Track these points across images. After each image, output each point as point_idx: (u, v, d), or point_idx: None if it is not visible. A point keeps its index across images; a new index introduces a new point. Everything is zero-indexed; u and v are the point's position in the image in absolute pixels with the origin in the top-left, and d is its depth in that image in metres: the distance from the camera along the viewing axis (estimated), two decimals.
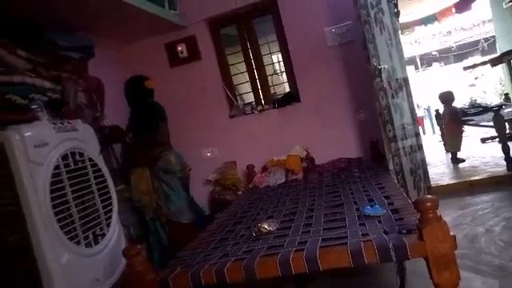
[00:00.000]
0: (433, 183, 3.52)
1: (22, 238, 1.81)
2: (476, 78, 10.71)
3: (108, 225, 2.32)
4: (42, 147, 1.91)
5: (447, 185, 3.57)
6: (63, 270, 1.88)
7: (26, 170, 1.83)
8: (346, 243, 1.33)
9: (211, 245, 1.77)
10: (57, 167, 1.99)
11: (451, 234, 1.19)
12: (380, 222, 1.55)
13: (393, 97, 2.91)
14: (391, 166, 2.64)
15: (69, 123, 2.20)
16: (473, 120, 4.60)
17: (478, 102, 6.35)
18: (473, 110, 4.95)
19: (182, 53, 3.68)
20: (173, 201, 2.99)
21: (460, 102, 5.40)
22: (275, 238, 1.62)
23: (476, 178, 3.55)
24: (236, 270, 1.35)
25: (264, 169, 3.38)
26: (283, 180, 3.10)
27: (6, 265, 1.81)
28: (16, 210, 1.81)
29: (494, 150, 4.21)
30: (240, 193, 3.36)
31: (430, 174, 3.52)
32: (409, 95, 3.30)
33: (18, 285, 1.82)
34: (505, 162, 3.52)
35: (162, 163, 3.01)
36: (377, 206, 1.75)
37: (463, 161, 4.34)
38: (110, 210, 2.37)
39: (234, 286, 1.43)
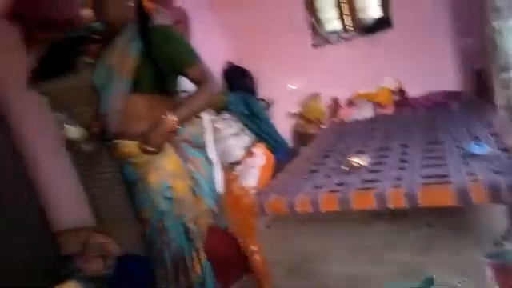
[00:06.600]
0: None
1: None
2: None
3: None
4: None
5: None
6: None
7: None
8: (450, 182, 1.27)
9: (301, 176, 1.82)
10: None
11: None
12: (487, 161, 1.44)
13: (508, 18, 2.49)
14: (500, 101, 2.35)
15: None
16: None
17: None
18: None
19: None
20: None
21: None
22: (368, 172, 1.61)
23: None
24: (331, 201, 1.40)
25: (350, 102, 3.26)
26: (371, 114, 2.98)
27: None
28: None
29: None
30: (324, 126, 3.33)
31: None
32: None
33: None
34: None
35: None
36: (483, 144, 1.61)
37: None
38: None
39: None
